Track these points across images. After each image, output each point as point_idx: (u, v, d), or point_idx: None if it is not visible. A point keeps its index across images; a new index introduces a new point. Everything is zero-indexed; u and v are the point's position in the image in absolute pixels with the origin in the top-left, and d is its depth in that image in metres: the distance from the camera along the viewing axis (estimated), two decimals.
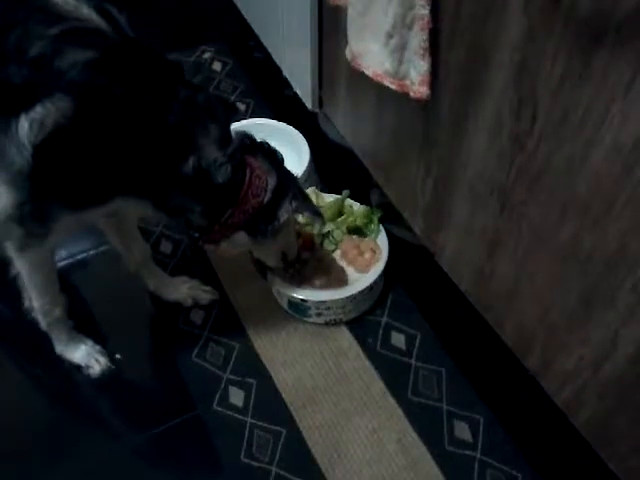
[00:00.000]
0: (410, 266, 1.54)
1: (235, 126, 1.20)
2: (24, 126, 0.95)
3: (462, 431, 1.33)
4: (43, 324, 1.36)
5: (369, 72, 1.19)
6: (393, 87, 1.15)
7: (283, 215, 1.21)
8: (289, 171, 1.27)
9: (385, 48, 1.12)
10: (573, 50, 0.84)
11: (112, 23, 1.02)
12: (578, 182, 0.91)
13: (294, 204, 1.22)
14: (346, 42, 1.26)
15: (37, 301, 1.31)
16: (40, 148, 0.97)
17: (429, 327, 1.49)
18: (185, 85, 1.08)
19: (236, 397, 1.39)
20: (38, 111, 0.94)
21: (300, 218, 1.49)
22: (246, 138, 1.18)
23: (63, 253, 1.61)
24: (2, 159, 1.00)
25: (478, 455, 1.30)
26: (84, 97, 0.96)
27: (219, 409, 1.37)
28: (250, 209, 1.17)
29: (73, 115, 0.95)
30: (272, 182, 1.18)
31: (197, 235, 1.21)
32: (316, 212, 1.33)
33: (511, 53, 0.94)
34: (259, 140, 1.21)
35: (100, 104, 0.98)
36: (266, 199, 1.18)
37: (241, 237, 1.23)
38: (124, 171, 1.06)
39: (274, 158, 1.22)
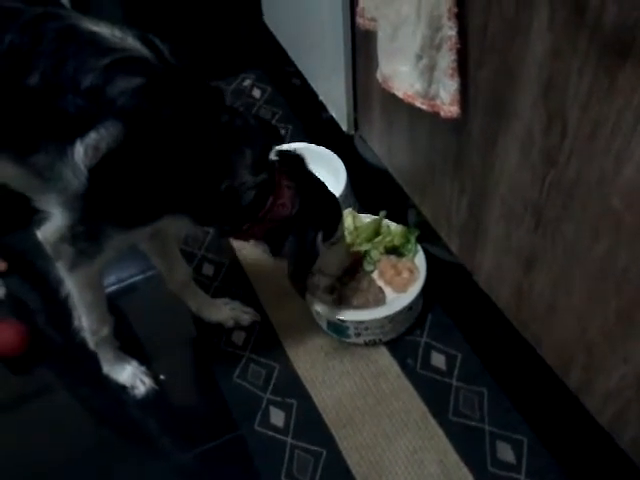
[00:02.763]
0: (449, 285, 1.52)
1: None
2: (79, 151, 1.01)
3: (505, 453, 1.30)
4: (91, 343, 1.41)
5: (400, 93, 1.21)
6: (424, 107, 1.17)
7: (290, 246, 1.25)
8: (323, 211, 1.29)
9: (415, 69, 1.14)
10: (599, 64, 0.84)
11: (156, 52, 1.07)
12: (611, 196, 0.90)
13: (292, 246, 1.25)
14: (377, 65, 1.28)
15: (86, 320, 1.36)
16: (95, 171, 1.03)
17: (469, 347, 1.47)
18: (226, 110, 1.13)
19: (277, 417, 1.40)
20: (92, 137, 1.01)
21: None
22: (295, 165, 1.23)
23: (112, 278, 1.67)
24: (59, 182, 1.07)
25: (522, 477, 1.26)
26: (133, 122, 1.02)
27: (260, 429, 1.38)
28: (267, 226, 1.22)
29: (124, 139, 1.01)
30: (294, 211, 1.22)
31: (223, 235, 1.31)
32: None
33: (538, 70, 0.95)
34: (308, 168, 1.26)
35: (148, 127, 1.03)
36: (278, 228, 1.23)
37: (265, 245, 1.29)
38: (171, 191, 1.11)
39: (311, 191, 1.25)
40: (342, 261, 1.46)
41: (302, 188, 1.24)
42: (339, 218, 1.35)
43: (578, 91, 0.89)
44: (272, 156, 1.21)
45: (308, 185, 1.26)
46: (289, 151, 1.26)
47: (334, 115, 1.75)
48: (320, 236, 1.26)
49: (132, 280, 1.70)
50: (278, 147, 1.24)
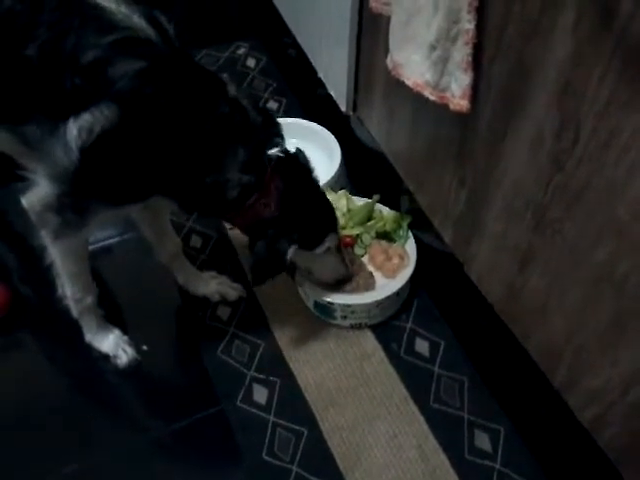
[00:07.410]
0: (437, 274, 1.54)
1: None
2: (72, 131, 0.99)
3: (482, 441, 1.34)
4: (74, 312, 1.39)
5: (409, 82, 1.19)
6: (433, 98, 1.16)
7: (258, 250, 1.23)
8: (309, 220, 1.27)
9: (427, 60, 1.12)
10: (622, 75, 0.83)
11: (161, 33, 1.05)
12: (618, 206, 0.91)
13: (260, 251, 1.23)
14: (386, 49, 1.26)
15: (69, 289, 1.34)
16: (86, 152, 1.01)
17: (453, 335, 1.50)
18: (227, 102, 1.11)
19: (260, 395, 1.41)
20: (87, 119, 0.98)
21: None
22: (294, 169, 1.22)
23: (94, 241, 1.63)
24: (48, 157, 1.05)
25: (497, 466, 1.30)
26: (130, 106, 1.00)
27: (242, 406, 1.39)
28: (247, 221, 1.23)
29: (119, 122, 0.99)
30: (274, 214, 1.20)
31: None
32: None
33: (556, 73, 0.94)
34: (313, 175, 1.27)
35: (144, 113, 1.02)
36: (256, 225, 1.22)
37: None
38: (159, 176, 1.11)
39: (301, 198, 1.24)
40: (335, 271, 1.44)
41: (291, 194, 1.22)
42: (329, 228, 1.33)
43: (596, 99, 0.88)
44: (273, 151, 1.19)
45: (301, 191, 1.24)
46: (295, 153, 1.24)
47: (333, 94, 1.72)
48: (293, 249, 1.24)
49: (116, 245, 1.66)
50: (284, 145, 1.22)
